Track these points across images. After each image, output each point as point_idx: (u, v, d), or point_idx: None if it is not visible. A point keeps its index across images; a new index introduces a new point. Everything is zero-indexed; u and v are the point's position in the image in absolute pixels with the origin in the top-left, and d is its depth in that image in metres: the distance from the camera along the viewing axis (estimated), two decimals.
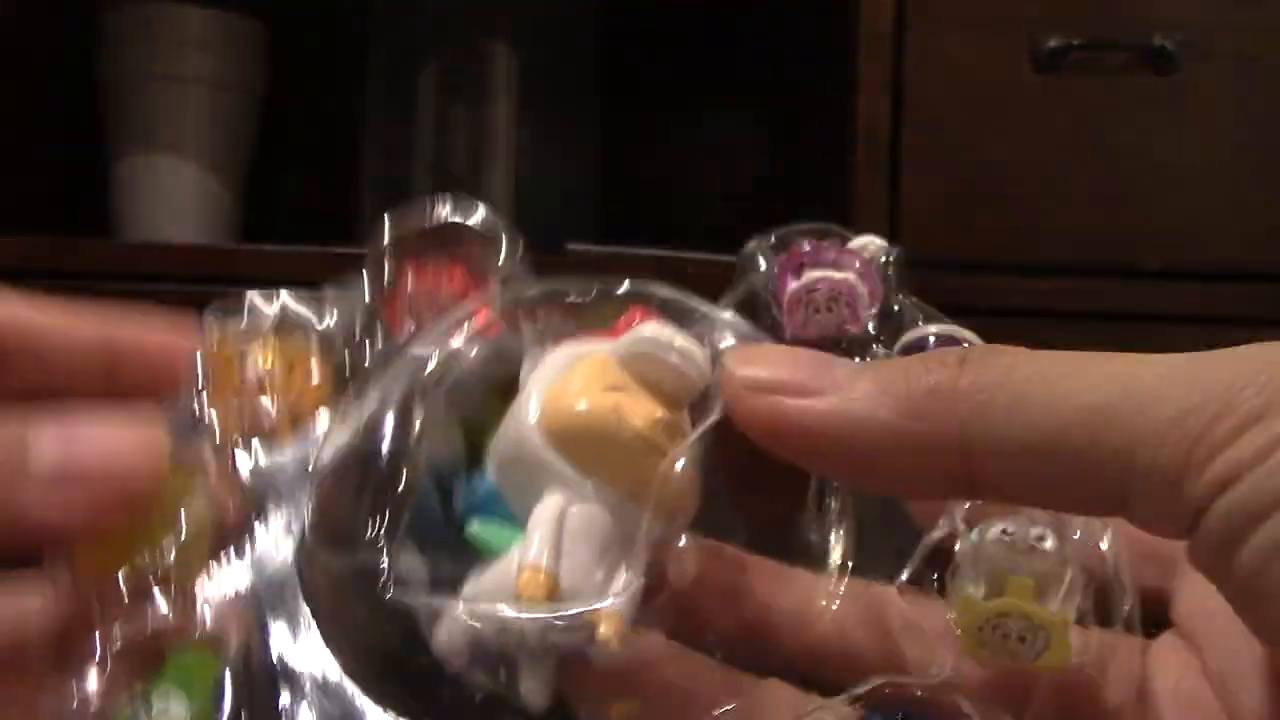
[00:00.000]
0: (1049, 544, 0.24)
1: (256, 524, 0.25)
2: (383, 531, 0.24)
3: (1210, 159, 0.96)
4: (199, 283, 0.92)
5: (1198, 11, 0.96)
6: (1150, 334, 0.95)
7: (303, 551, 0.25)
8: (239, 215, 1.14)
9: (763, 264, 0.33)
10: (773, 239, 0.34)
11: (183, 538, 0.23)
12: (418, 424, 0.25)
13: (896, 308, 0.33)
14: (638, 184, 1.24)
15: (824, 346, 0.25)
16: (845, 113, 0.99)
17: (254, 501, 0.26)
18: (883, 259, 0.34)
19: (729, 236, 1.38)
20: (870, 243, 0.34)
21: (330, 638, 0.24)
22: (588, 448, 0.24)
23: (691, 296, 0.27)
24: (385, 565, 0.23)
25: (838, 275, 0.32)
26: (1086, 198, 0.96)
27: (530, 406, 0.24)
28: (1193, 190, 0.96)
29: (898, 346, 0.31)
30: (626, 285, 0.27)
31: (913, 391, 0.21)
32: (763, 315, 0.32)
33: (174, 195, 1.07)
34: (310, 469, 0.25)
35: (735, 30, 1.25)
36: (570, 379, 0.25)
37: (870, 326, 0.32)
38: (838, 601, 0.26)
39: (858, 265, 0.33)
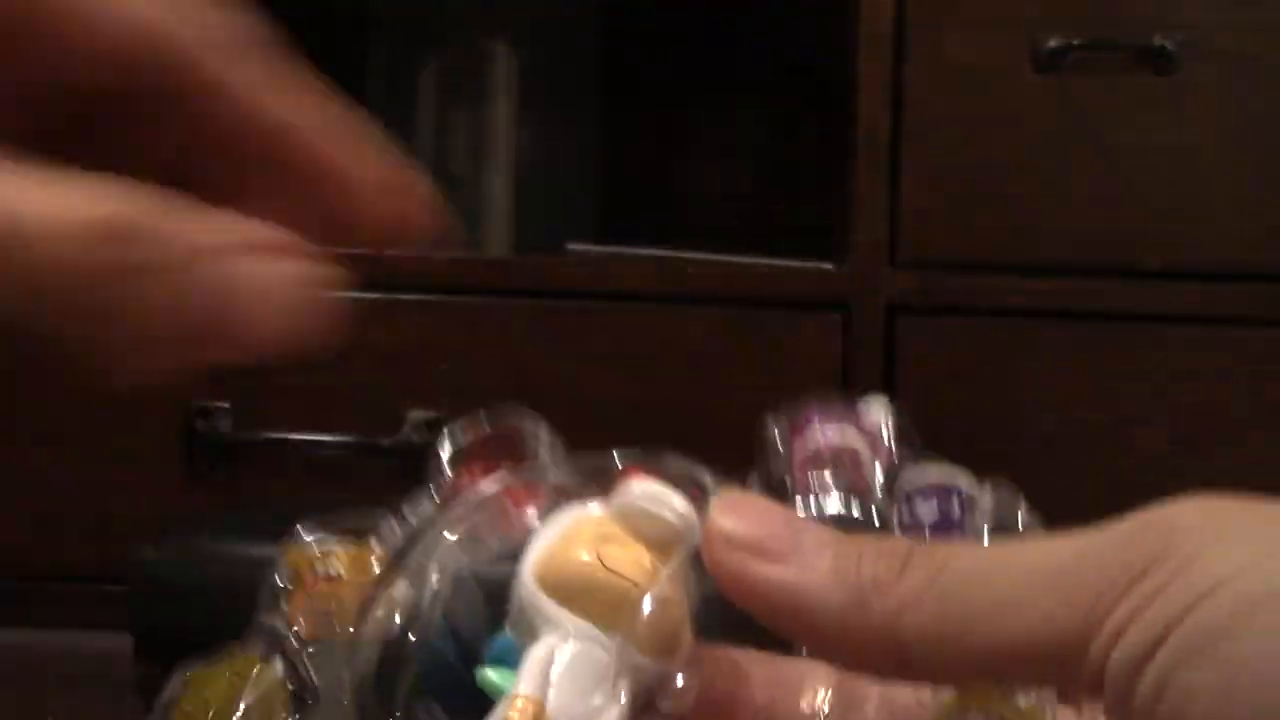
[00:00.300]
0: None
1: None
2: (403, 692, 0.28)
3: (1210, 159, 0.96)
4: None
5: (1198, 11, 0.96)
6: (1150, 334, 0.95)
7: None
8: None
9: (781, 447, 0.36)
10: (787, 415, 0.36)
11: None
12: (430, 592, 0.29)
13: (898, 463, 0.35)
14: (638, 184, 1.24)
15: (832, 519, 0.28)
16: (845, 113, 0.99)
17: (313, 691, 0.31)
18: (887, 419, 0.36)
19: (729, 236, 1.39)
20: (875, 404, 0.37)
21: None
22: (576, 592, 0.27)
23: (704, 471, 0.30)
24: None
25: (840, 440, 0.34)
26: (1086, 198, 0.96)
27: (529, 561, 0.27)
28: (1193, 190, 0.96)
29: (896, 491, 0.34)
30: (628, 456, 0.30)
31: (862, 580, 0.24)
32: (782, 492, 0.35)
33: None
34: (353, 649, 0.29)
35: (735, 30, 1.25)
36: (563, 533, 0.28)
37: (878, 486, 0.34)
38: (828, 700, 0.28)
39: (864, 429, 0.35)
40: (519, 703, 0.25)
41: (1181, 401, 0.95)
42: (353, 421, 0.94)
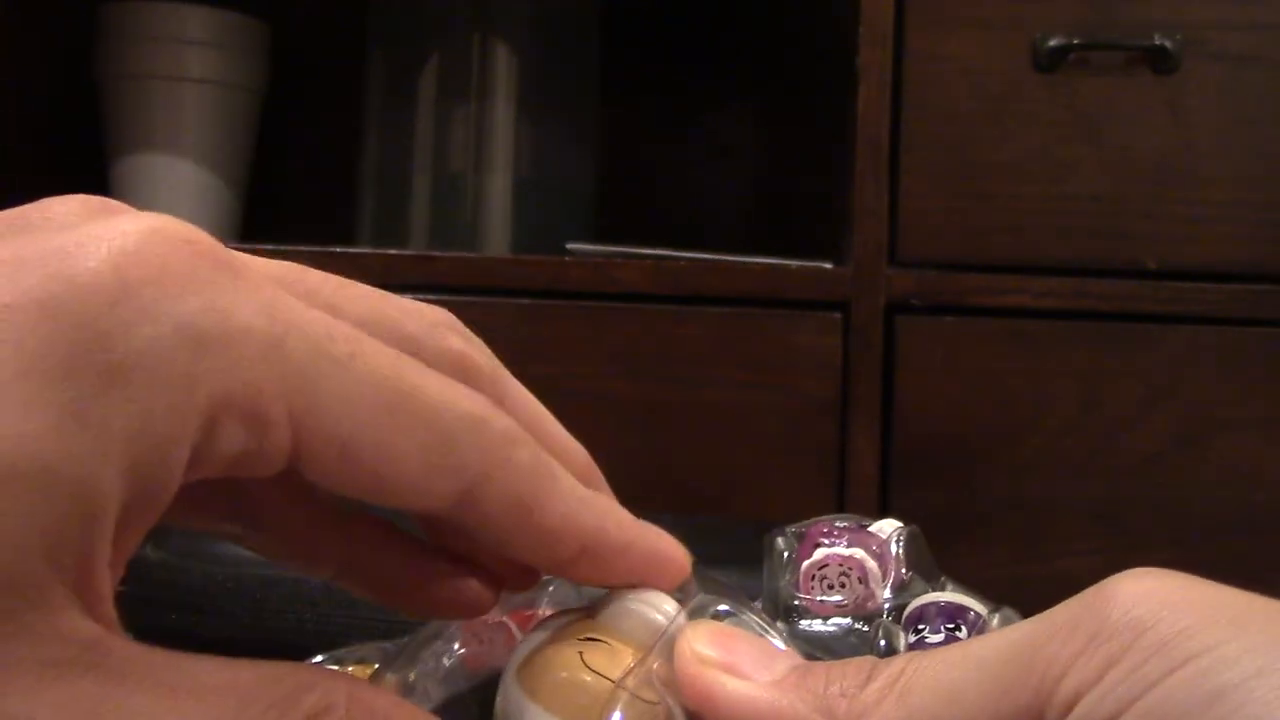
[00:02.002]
0: None
1: None
2: None
3: (1210, 159, 0.96)
4: None
5: (1198, 11, 0.96)
6: (1150, 334, 0.95)
7: None
8: (239, 215, 1.14)
9: (785, 555, 0.36)
10: (794, 529, 0.37)
11: None
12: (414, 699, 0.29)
13: (908, 577, 0.36)
14: (638, 184, 1.25)
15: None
16: (845, 113, 0.99)
17: None
18: (897, 537, 0.36)
19: (729, 236, 1.38)
20: (886, 524, 0.37)
21: None
22: (557, 692, 0.26)
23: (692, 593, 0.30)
24: None
25: (846, 552, 0.35)
26: (1086, 198, 0.96)
27: (514, 662, 0.27)
28: (1193, 190, 0.96)
29: (905, 615, 0.34)
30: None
31: (828, 690, 0.24)
32: (786, 600, 0.35)
33: (174, 195, 1.07)
34: None
35: (735, 30, 1.25)
36: (550, 635, 0.28)
37: (884, 601, 0.35)
38: None
39: (872, 545, 0.36)
40: None
41: (1181, 402, 0.95)
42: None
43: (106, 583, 0.20)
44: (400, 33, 1.13)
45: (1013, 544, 0.95)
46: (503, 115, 1.10)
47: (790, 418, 0.94)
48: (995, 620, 0.33)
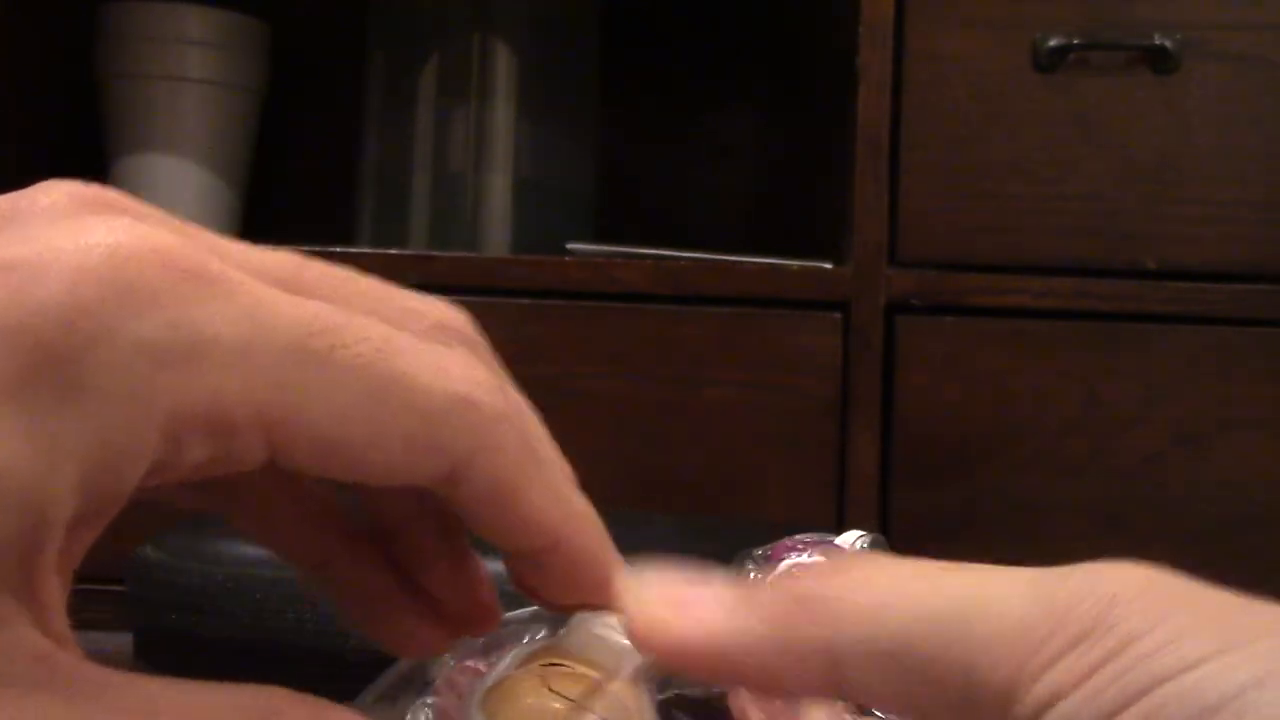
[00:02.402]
0: None
1: None
2: None
3: (1210, 159, 0.96)
4: None
5: (1198, 11, 0.96)
6: (1150, 334, 0.95)
7: None
8: (239, 215, 1.14)
9: (754, 577, 0.36)
10: (761, 550, 0.37)
11: None
12: None
13: None
14: (638, 184, 1.25)
15: None
16: (845, 112, 0.99)
17: None
18: (860, 545, 0.37)
19: (729, 236, 1.38)
20: (849, 535, 0.38)
21: None
22: (519, 717, 0.26)
23: None
24: None
25: (809, 560, 0.35)
26: (1086, 198, 0.96)
27: (478, 693, 0.27)
28: (1193, 190, 0.96)
29: None
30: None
31: (783, 600, 0.23)
32: None
33: (174, 195, 1.07)
34: None
35: (735, 31, 1.25)
36: (513, 662, 0.28)
37: None
38: None
39: (835, 554, 0.36)
40: None
41: (1181, 402, 0.95)
42: None
43: (56, 594, 0.20)
44: (400, 33, 1.13)
45: (1013, 544, 0.95)
46: (503, 115, 1.10)
47: (790, 418, 0.94)
48: None
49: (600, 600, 0.26)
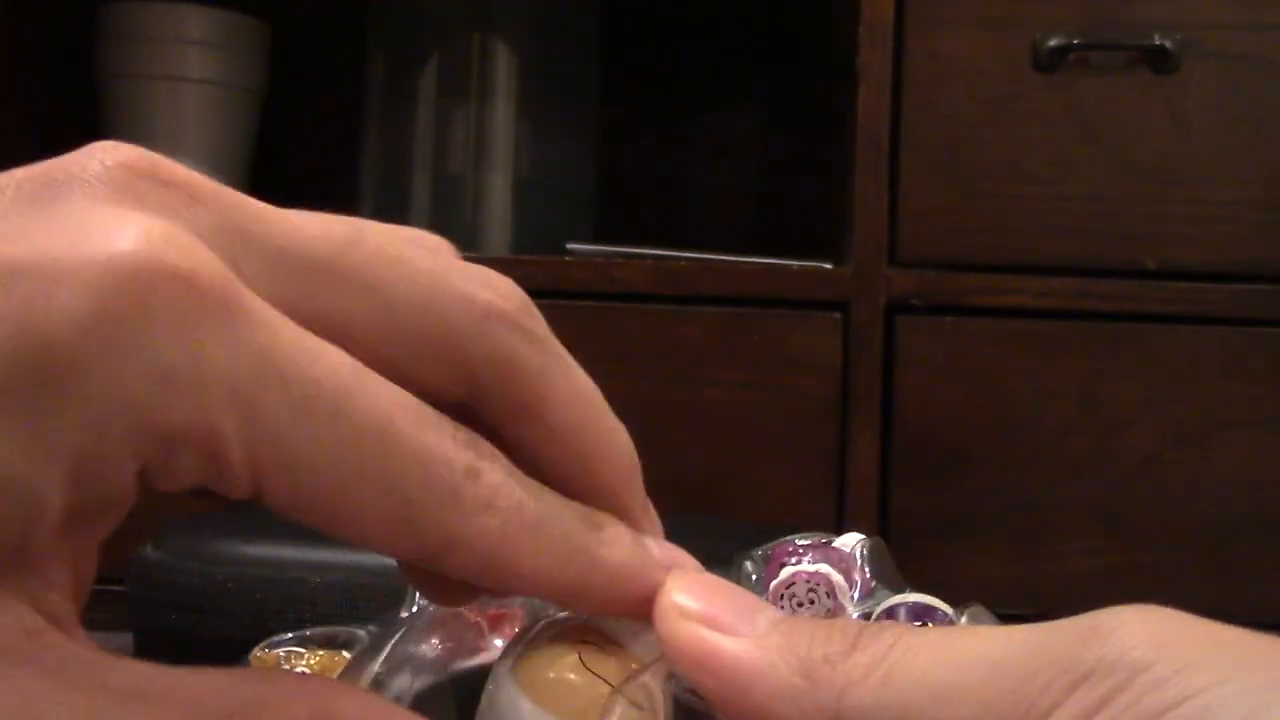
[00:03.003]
0: None
1: None
2: None
3: (1210, 159, 0.96)
4: None
5: (1198, 11, 0.96)
6: (1150, 334, 0.95)
7: None
8: None
9: (754, 578, 0.36)
10: (760, 551, 0.37)
11: None
12: (393, 695, 0.28)
13: (874, 587, 0.36)
14: (638, 184, 1.25)
15: None
16: (845, 112, 0.99)
17: None
18: (861, 550, 0.36)
19: (729, 236, 1.38)
20: (848, 538, 0.37)
21: None
22: (551, 690, 0.26)
23: None
24: None
25: (811, 568, 0.35)
26: (1086, 198, 0.96)
27: (507, 659, 0.27)
28: (1193, 190, 0.96)
29: (874, 615, 0.34)
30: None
31: (812, 656, 0.23)
32: None
33: None
34: None
35: (735, 31, 1.25)
36: (547, 634, 0.27)
37: (853, 613, 0.35)
38: None
39: (836, 559, 0.36)
40: None
41: (1181, 401, 0.95)
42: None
43: (57, 575, 0.20)
44: (400, 33, 1.13)
45: (1012, 544, 0.95)
46: (503, 115, 1.10)
47: (790, 418, 0.94)
48: (964, 619, 0.33)
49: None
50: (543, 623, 0.27)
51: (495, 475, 0.23)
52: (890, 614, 0.33)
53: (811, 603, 0.34)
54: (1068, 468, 0.95)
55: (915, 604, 0.34)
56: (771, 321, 0.95)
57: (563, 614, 0.28)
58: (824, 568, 0.35)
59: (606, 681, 0.25)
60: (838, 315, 0.95)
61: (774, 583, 0.35)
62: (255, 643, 0.41)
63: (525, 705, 0.26)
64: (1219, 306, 0.95)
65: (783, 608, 0.34)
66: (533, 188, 1.11)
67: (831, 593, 0.34)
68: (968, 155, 0.97)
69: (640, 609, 0.26)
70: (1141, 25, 0.95)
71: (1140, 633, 0.21)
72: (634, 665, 0.26)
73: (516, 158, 1.10)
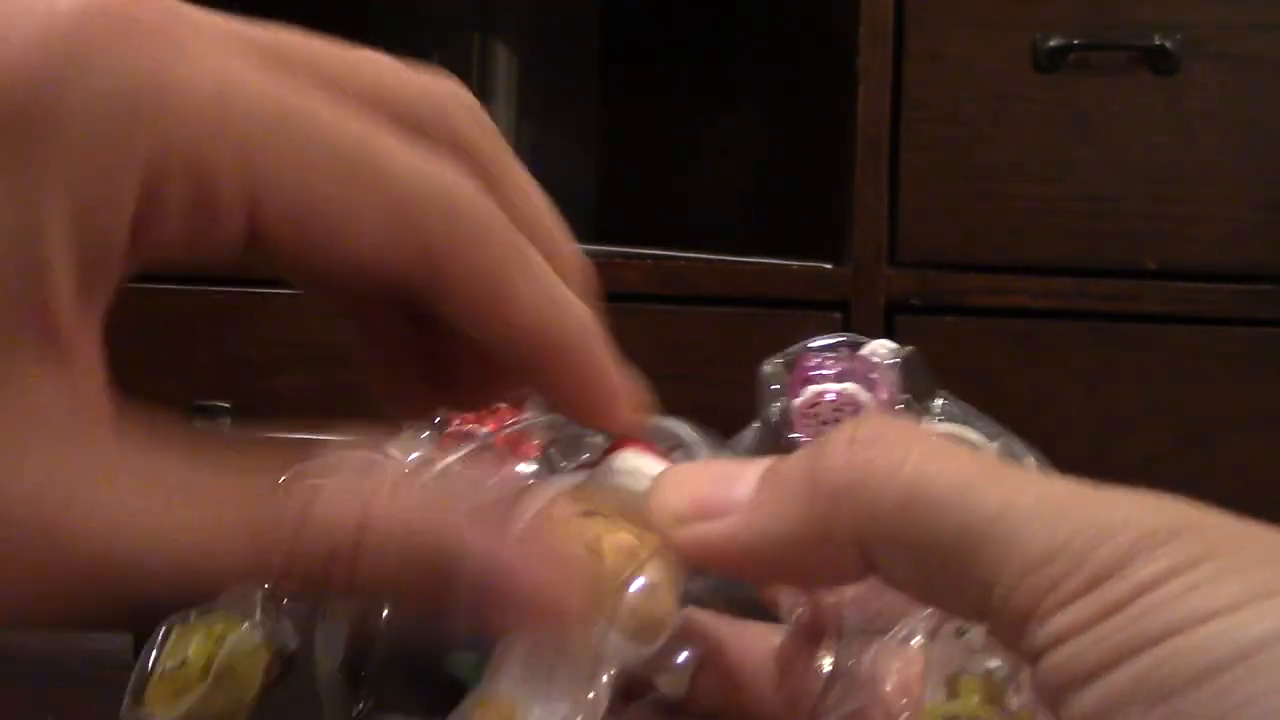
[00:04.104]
0: None
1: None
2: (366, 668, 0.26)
3: (1210, 159, 0.96)
4: (199, 283, 0.92)
5: (1198, 11, 0.96)
6: (1150, 334, 0.95)
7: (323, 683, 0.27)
8: None
9: (775, 387, 0.35)
10: (785, 360, 0.35)
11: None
12: None
13: (903, 402, 0.34)
14: (638, 184, 1.25)
15: None
16: (845, 113, 0.99)
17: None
18: (891, 360, 0.35)
19: (729, 236, 1.38)
20: (880, 346, 0.36)
21: None
22: None
23: (684, 426, 0.29)
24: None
25: (837, 387, 0.33)
26: (1086, 198, 0.96)
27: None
28: (1193, 190, 0.96)
29: None
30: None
31: (817, 495, 0.22)
32: (784, 436, 0.34)
33: None
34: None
35: (735, 31, 1.25)
36: (545, 510, 0.26)
37: None
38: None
39: (865, 374, 0.34)
40: (489, 706, 0.24)
41: (1181, 401, 0.95)
42: (353, 421, 0.94)
43: (86, 356, 0.20)
44: (400, 33, 1.13)
45: None
46: (503, 115, 1.10)
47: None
48: (996, 445, 0.31)
49: (608, 421, 0.26)
50: (542, 489, 0.26)
51: (487, 201, 0.23)
52: None
53: (837, 422, 0.33)
54: (1067, 468, 0.94)
55: (948, 435, 0.32)
56: (771, 321, 0.95)
57: (557, 478, 0.27)
58: (849, 387, 0.33)
59: (610, 563, 0.25)
60: (838, 315, 0.95)
61: (797, 402, 0.33)
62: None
63: None
64: (1219, 306, 0.95)
65: (808, 428, 0.33)
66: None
67: (858, 412, 0.33)
68: (968, 155, 0.97)
69: (599, 393, 0.25)
70: (1141, 25, 0.95)
71: (1171, 538, 0.19)
72: (638, 536, 0.25)
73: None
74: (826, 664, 0.26)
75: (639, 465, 0.26)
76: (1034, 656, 0.20)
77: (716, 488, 0.24)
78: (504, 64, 1.10)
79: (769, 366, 0.35)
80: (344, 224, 0.22)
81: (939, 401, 0.34)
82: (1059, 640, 0.19)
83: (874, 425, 0.22)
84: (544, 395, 0.27)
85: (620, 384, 0.26)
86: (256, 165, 0.21)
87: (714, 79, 1.25)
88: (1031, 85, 0.96)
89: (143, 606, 0.22)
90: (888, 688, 0.25)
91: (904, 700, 0.25)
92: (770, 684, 0.27)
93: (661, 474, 0.25)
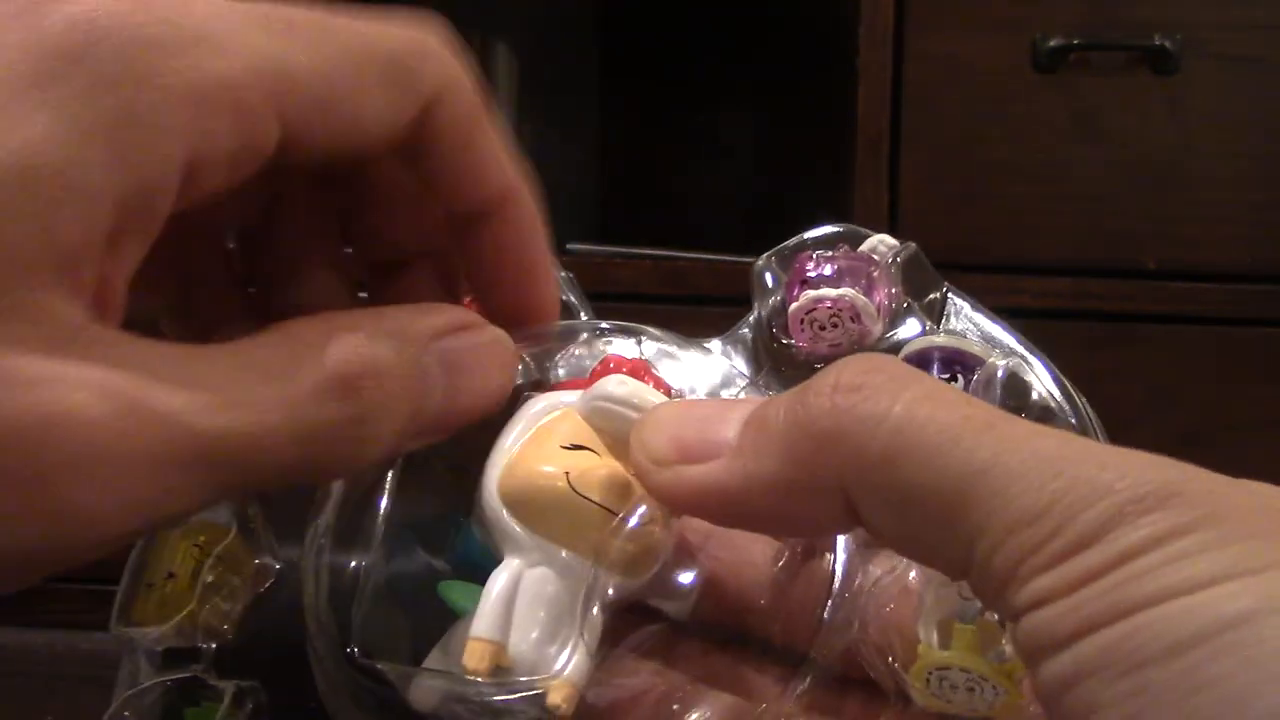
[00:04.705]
0: None
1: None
2: (357, 596, 0.26)
3: (1210, 159, 0.96)
4: None
5: (1198, 11, 0.96)
6: (1150, 334, 0.95)
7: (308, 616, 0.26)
8: None
9: (770, 281, 0.34)
10: (779, 254, 0.34)
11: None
12: (390, 477, 0.26)
13: (904, 306, 0.33)
14: (638, 184, 1.25)
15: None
16: (845, 113, 0.99)
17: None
18: (892, 259, 0.34)
19: (729, 236, 1.39)
20: (880, 243, 0.34)
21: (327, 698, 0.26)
22: (540, 512, 0.25)
23: (676, 338, 0.28)
24: (353, 631, 0.25)
25: (834, 293, 0.32)
26: (1086, 198, 0.96)
27: (493, 470, 0.25)
28: (1192, 190, 0.96)
29: (901, 355, 0.31)
30: (609, 326, 0.30)
31: (800, 439, 0.22)
32: (778, 333, 0.33)
33: None
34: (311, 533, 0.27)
35: (735, 31, 1.25)
36: (532, 441, 0.26)
37: (880, 334, 0.32)
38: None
39: (864, 275, 0.33)
40: (478, 646, 0.23)
41: (1181, 401, 0.95)
42: None
43: (111, 270, 0.21)
44: None
45: None
46: (503, 115, 1.10)
47: None
48: (1000, 369, 0.30)
49: (536, 298, 0.28)
50: (521, 417, 0.26)
51: (449, 54, 0.27)
52: (919, 360, 0.30)
53: (835, 326, 0.32)
54: None
55: (948, 349, 0.31)
56: None
57: (541, 401, 0.26)
58: (848, 293, 0.32)
59: (597, 503, 0.24)
60: None
61: (793, 308, 0.32)
62: (264, 643, 0.41)
63: (517, 530, 0.25)
64: (1219, 306, 0.95)
65: (804, 333, 0.32)
66: (533, 188, 1.11)
67: (856, 317, 0.32)
68: (968, 155, 0.97)
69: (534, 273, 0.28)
70: (1141, 25, 0.95)
71: (1162, 502, 0.19)
72: (626, 467, 0.25)
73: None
74: (827, 572, 0.26)
75: (635, 394, 0.26)
76: (1014, 616, 0.19)
77: (700, 430, 0.24)
78: (504, 64, 1.10)
79: (762, 261, 0.34)
80: (355, 91, 0.24)
81: (942, 296, 0.34)
82: (1036, 604, 0.19)
83: (860, 368, 0.22)
84: (472, 268, 0.28)
85: (551, 269, 0.28)
86: (276, 70, 0.22)
87: (714, 79, 1.25)
88: (1031, 85, 0.96)
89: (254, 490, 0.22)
90: (881, 624, 0.25)
91: (896, 640, 0.24)
92: (768, 600, 0.26)
93: (648, 417, 0.25)
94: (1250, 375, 0.95)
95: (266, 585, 0.32)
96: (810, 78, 1.18)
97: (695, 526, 0.26)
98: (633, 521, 0.24)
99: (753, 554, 0.27)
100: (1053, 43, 0.95)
